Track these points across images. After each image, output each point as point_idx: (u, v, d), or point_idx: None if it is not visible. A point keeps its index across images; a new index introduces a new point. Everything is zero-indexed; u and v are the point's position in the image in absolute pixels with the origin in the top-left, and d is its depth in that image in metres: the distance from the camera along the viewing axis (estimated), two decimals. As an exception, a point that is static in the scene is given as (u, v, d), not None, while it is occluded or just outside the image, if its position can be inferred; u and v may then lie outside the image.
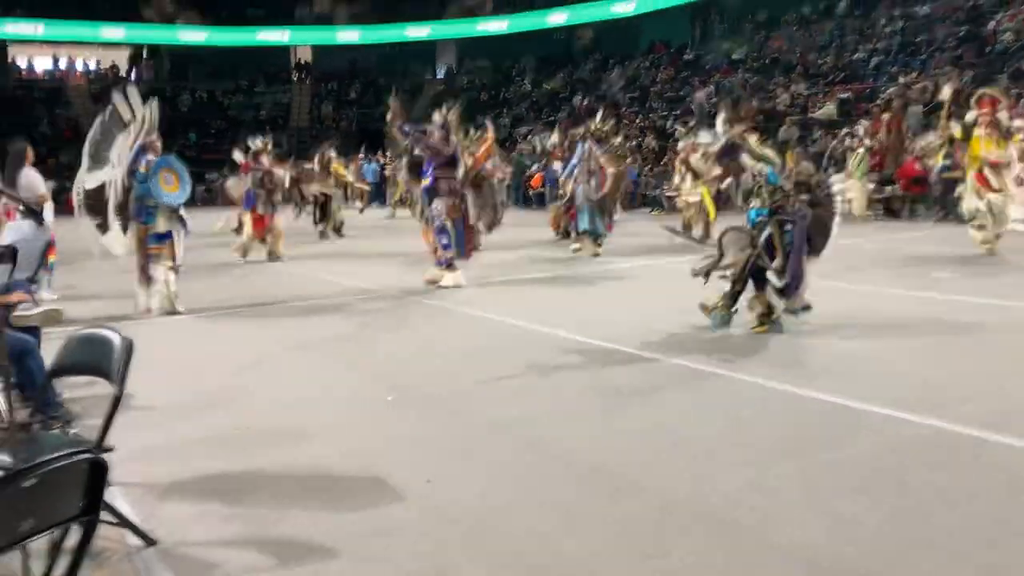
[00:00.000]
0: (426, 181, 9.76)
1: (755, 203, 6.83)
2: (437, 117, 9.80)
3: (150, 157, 8.10)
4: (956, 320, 7.22)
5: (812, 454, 4.14)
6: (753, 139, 7.10)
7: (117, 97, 8.03)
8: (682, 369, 5.86)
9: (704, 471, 3.95)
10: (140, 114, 7.99)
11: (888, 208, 17.82)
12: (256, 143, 13.59)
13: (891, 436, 4.37)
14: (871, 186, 17.54)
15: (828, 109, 23.26)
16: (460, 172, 9.66)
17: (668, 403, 5.09)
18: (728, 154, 6.98)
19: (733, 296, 6.95)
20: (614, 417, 4.83)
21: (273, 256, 13.07)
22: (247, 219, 13.12)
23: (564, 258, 12.59)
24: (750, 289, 6.93)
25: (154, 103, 8.22)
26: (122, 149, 7.92)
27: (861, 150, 17.01)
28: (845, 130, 17.55)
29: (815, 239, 6.79)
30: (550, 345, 6.72)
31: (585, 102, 32.11)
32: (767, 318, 6.85)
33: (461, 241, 9.87)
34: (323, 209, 17.30)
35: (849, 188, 17.16)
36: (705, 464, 4.04)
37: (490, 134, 10.45)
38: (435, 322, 7.97)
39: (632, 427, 4.64)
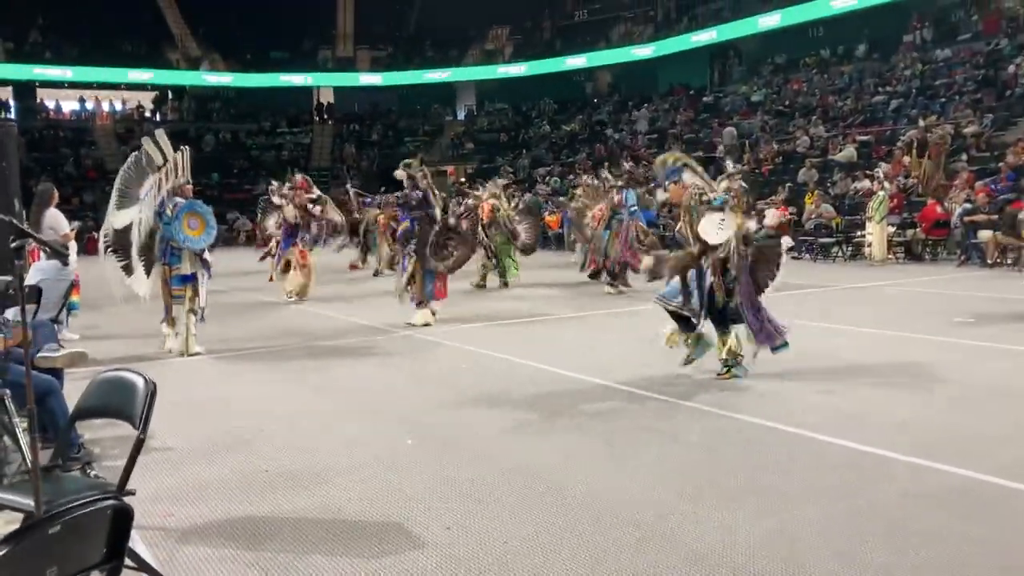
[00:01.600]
0: (404, 225, 10.15)
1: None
2: (400, 173, 10.19)
3: (177, 200, 8.20)
4: (978, 366, 7.14)
5: (836, 502, 4.07)
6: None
7: (147, 141, 8.16)
8: (700, 412, 5.81)
9: (728, 519, 3.90)
10: (171, 158, 8.11)
11: (909, 251, 17.73)
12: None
13: (916, 484, 4.30)
14: (891, 229, 17.47)
15: (848, 152, 23.27)
16: (437, 213, 10.05)
17: (688, 447, 5.04)
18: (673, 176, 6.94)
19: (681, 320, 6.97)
20: (634, 461, 4.78)
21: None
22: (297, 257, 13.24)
23: (579, 299, 12.57)
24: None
25: (186, 149, 8.36)
26: (151, 190, 8.02)
27: (881, 193, 16.95)
28: (879, 171, 17.76)
29: (759, 275, 6.83)
30: (567, 386, 6.69)
31: (614, 140, 32.59)
32: (732, 362, 6.85)
33: (430, 278, 10.12)
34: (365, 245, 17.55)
35: (869, 232, 17.16)
36: (728, 512, 3.98)
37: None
38: (452, 363, 7.94)
39: (652, 472, 4.59)
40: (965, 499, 4.08)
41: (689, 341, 6.96)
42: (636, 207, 13.10)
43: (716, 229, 6.62)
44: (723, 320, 6.85)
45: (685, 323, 6.94)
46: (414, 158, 10.68)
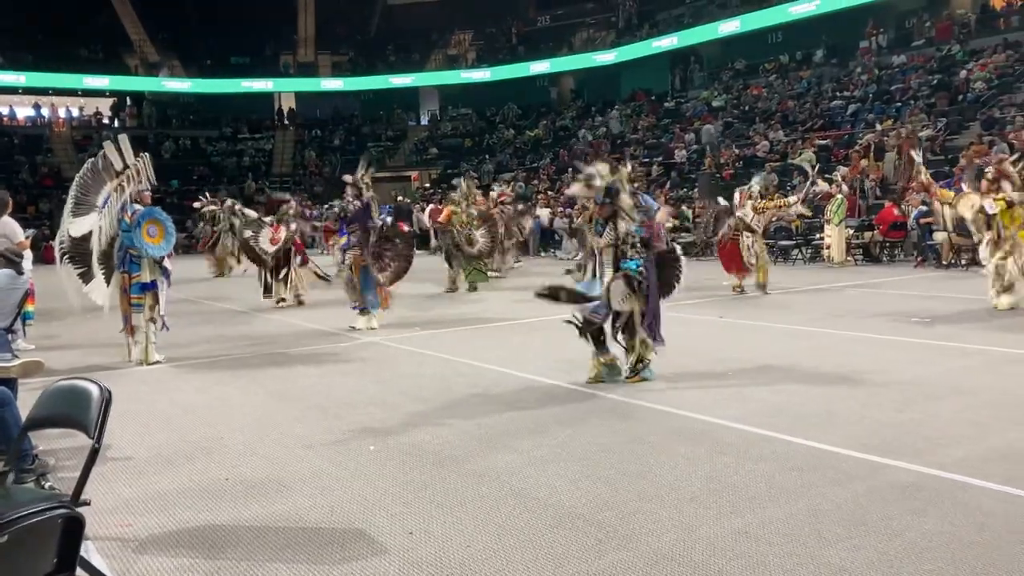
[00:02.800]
0: (343, 240, 10.45)
1: (633, 254, 6.84)
2: (348, 177, 10.46)
3: (136, 207, 8.10)
4: (932, 365, 7.28)
5: (796, 501, 4.12)
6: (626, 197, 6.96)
7: (108, 145, 8.05)
8: (662, 413, 5.86)
9: (689, 519, 3.93)
10: (133, 164, 8.00)
11: (868, 253, 18.03)
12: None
13: (874, 481, 4.36)
14: (849, 231, 17.75)
15: (807, 155, 23.57)
16: (377, 222, 10.24)
17: (649, 447, 5.06)
18: (609, 197, 6.81)
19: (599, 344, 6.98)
20: (598, 464, 4.79)
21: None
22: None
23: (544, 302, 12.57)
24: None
25: (147, 156, 8.25)
26: (110, 197, 7.91)
27: (839, 196, 17.22)
28: (837, 175, 18.02)
29: (665, 276, 7.06)
30: (531, 390, 6.71)
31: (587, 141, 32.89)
32: (641, 366, 6.93)
33: (370, 287, 10.24)
34: None
35: (827, 235, 17.42)
36: (690, 512, 4.02)
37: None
38: (415, 369, 7.92)
39: (615, 473, 4.61)
40: (919, 494, 4.15)
41: (603, 362, 6.95)
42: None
43: (620, 298, 6.74)
44: (629, 327, 6.91)
45: (601, 345, 6.96)
46: (363, 165, 10.61)
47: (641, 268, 6.80)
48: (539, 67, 39.99)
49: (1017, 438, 5.05)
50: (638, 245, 6.85)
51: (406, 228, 11.58)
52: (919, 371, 7.01)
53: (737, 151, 26.66)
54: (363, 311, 10.37)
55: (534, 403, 6.32)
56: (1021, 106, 21.41)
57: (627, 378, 6.90)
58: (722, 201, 13.72)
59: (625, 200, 6.85)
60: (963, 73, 24.12)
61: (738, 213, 12.83)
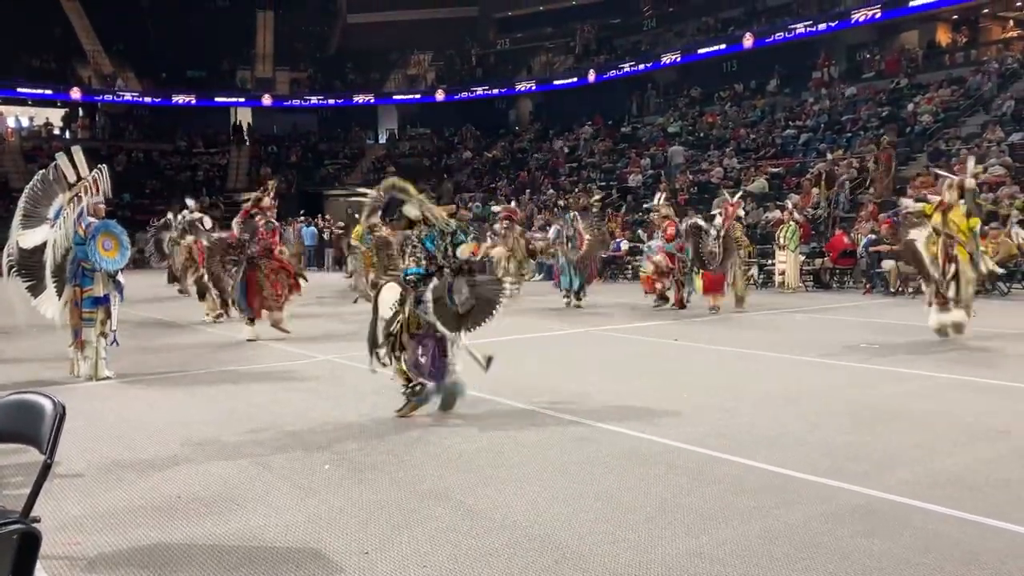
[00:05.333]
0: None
1: (411, 262, 6.60)
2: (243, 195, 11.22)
3: (90, 220, 7.97)
4: (881, 389, 7.43)
5: (749, 522, 4.18)
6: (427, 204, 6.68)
7: (61, 156, 7.93)
8: (617, 435, 5.89)
9: (644, 540, 3.96)
10: (87, 176, 7.89)
11: (818, 279, 18.37)
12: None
13: (824, 504, 4.44)
14: (802, 258, 18.09)
15: (760, 183, 24.03)
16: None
17: (606, 470, 5.10)
18: (389, 210, 6.55)
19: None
20: (554, 483, 4.82)
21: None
22: None
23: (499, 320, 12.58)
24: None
25: (104, 168, 8.15)
26: (64, 210, 7.79)
27: (792, 223, 17.57)
28: (788, 202, 18.33)
29: (475, 316, 6.61)
30: (488, 409, 6.72)
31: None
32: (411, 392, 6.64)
33: (244, 297, 10.99)
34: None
35: (780, 260, 17.75)
36: (645, 533, 4.05)
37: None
38: (368, 387, 7.85)
39: (571, 493, 4.64)
40: (868, 517, 4.23)
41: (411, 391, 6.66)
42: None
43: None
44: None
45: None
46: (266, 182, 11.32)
47: (411, 277, 6.50)
48: (498, 89, 40.28)
49: (960, 461, 5.18)
50: (419, 255, 6.53)
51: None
52: (867, 395, 7.16)
53: (692, 177, 27.05)
54: (251, 321, 10.99)
55: (489, 423, 6.33)
56: (965, 139, 22.06)
57: (398, 412, 6.55)
58: (696, 218, 14.12)
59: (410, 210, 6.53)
60: (910, 106, 24.79)
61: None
